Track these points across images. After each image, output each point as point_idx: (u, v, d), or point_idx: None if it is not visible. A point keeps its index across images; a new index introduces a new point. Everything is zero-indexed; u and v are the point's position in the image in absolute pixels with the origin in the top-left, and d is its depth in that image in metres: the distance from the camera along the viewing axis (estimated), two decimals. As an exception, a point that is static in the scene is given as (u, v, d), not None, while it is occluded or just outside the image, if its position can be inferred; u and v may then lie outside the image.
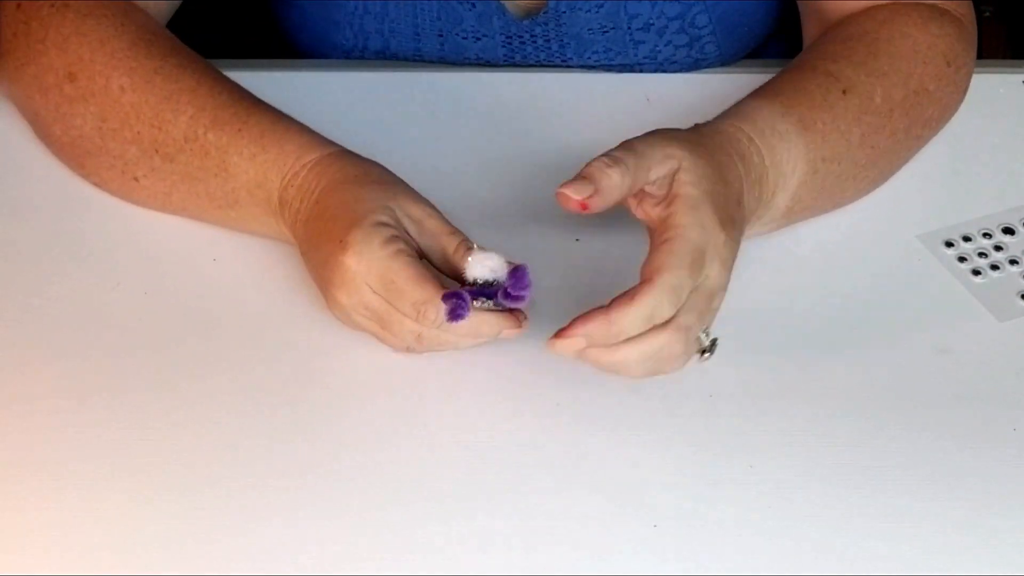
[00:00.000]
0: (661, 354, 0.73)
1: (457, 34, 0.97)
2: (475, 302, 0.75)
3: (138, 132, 0.85)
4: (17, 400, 0.78)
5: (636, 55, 0.97)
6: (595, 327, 0.72)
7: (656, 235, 0.75)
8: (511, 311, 0.76)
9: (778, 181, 0.82)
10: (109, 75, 0.85)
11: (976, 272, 0.84)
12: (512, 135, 0.95)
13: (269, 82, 0.91)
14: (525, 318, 0.77)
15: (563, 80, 0.98)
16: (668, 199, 0.76)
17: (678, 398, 0.78)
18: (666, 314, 0.72)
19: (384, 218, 0.77)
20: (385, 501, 0.73)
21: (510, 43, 0.97)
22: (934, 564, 0.71)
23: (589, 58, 0.97)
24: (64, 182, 0.91)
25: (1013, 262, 0.85)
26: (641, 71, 0.98)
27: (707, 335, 0.76)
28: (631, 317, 0.72)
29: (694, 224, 0.74)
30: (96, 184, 0.89)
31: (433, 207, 0.80)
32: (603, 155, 0.76)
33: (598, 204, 0.75)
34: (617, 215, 0.88)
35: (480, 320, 0.76)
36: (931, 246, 0.87)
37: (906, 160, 0.90)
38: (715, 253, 0.74)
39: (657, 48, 0.97)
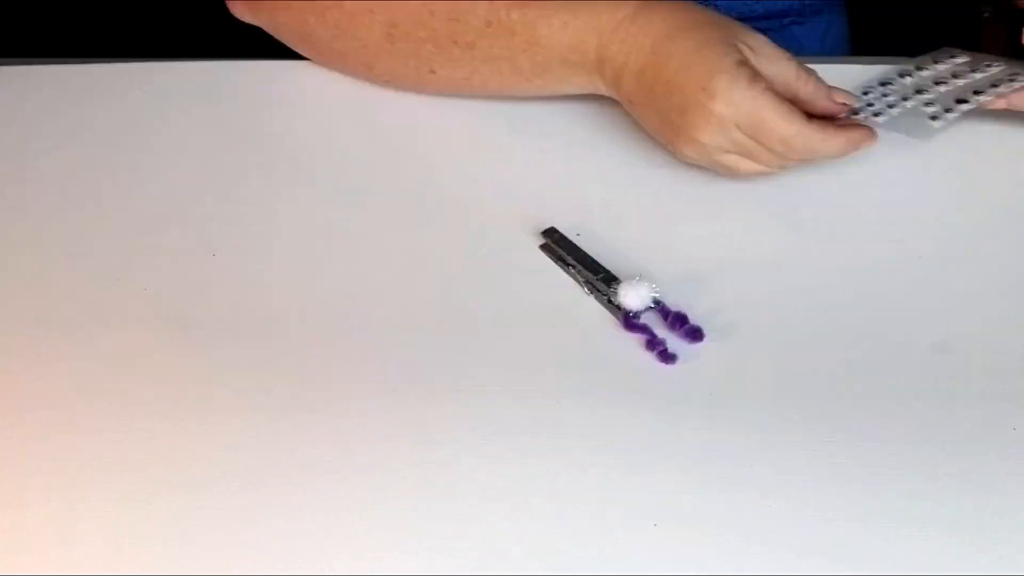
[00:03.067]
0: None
1: None
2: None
3: (433, 29, 0.89)
4: (16, 398, 0.78)
5: None
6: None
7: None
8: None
9: None
10: None
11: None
12: (513, 124, 0.95)
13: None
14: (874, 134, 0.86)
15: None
16: None
17: (678, 398, 0.78)
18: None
19: (740, 57, 0.82)
20: (385, 501, 0.73)
21: None
22: (934, 564, 0.71)
23: None
24: (64, 180, 0.91)
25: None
26: None
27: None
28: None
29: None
30: (387, 83, 0.94)
31: (763, 36, 0.85)
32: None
33: None
34: (618, 215, 0.88)
35: (840, 142, 0.84)
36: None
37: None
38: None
39: None
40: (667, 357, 0.79)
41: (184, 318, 0.83)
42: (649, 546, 0.71)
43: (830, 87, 0.86)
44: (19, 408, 0.78)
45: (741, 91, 0.81)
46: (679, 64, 0.83)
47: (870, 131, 0.85)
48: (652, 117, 0.86)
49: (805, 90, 0.85)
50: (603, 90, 0.89)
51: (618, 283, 0.82)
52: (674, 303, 0.82)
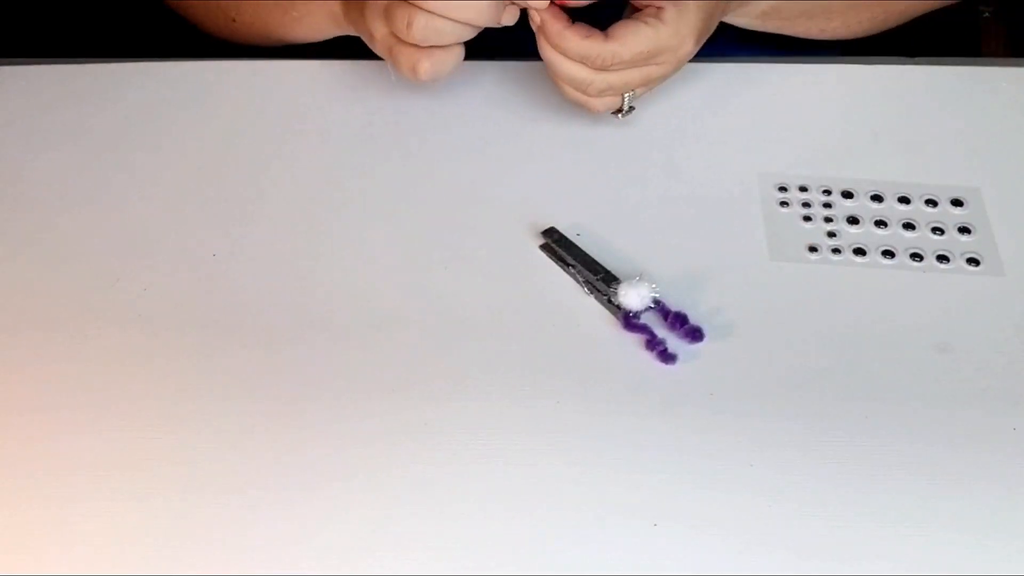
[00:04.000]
0: (579, 85, 0.86)
1: None
2: None
3: None
4: (16, 398, 0.78)
5: None
6: (552, 17, 0.84)
7: (641, 4, 0.85)
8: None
9: None
10: None
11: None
12: (510, 126, 0.94)
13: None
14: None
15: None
16: None
17: (678, 398, 0.78)
18: (596, 67, 0.84)
19: None
20: (385, 501, 0.73)
21: None
22: (934, 564, 0.71)
23: None
24: (64, 180, 0.91)
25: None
26: None
27: (630, 98, 0.88)
28: (574, 43, 0.84)
29: (672, 29, 0.84)
30: (210, 31, 1.02)
31: None
32: None
33: None
34: (618, 215, 0.88)
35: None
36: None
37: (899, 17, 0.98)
38: (673, 55, 0.86)
39: None
40: (667, 357, 0.79)
41: (184, 319, 0.83)
42: (649, 546, 0.71)
43: None
44: (18, 408, 0.78)
45: None
46: None
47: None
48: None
49: None
50: (338, 12, 0.92)
51: (618, 283, 0.82)
52: (674, 303, 0.82)
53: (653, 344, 0.80)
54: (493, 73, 0.98)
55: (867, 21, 0.98)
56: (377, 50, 0.89)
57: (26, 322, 0.82)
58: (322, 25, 0.95)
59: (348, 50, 0.99)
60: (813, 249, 0.87)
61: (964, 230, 0.88)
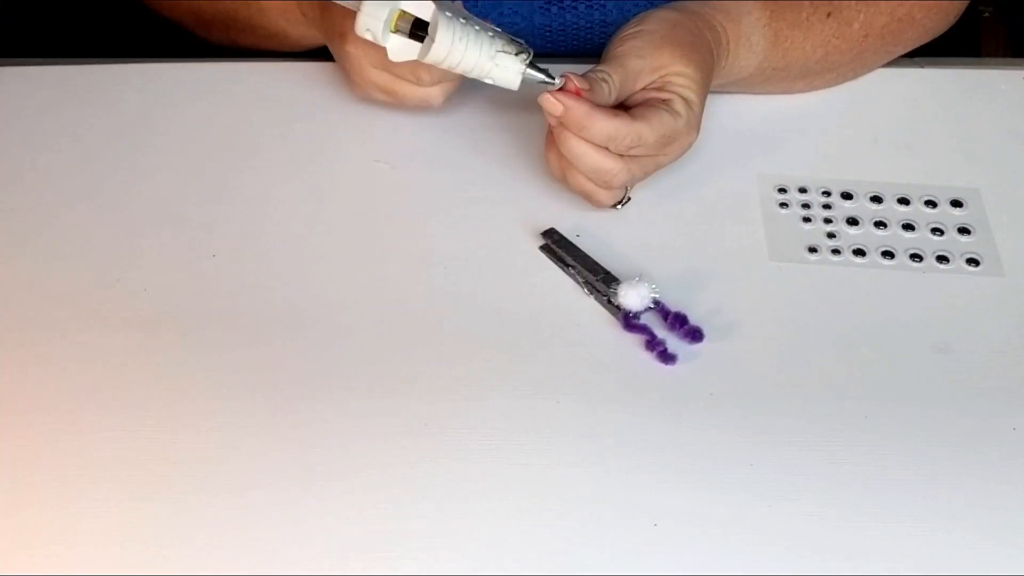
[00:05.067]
0: (603, 176, 0.83)
1: None
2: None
3: None
4: (16, 398, 0.78)
5: None
6: (576, 105, 0.81)
7: (653, 92, 0.85)
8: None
9: (731, 73, 0.91)
10: None
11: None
12: (509, 129, 0.94)
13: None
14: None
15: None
16: (661, 85, 0.85)
17: (678, 398, 0.78)
18: (620, 150, 0.83)
19: None
20: (385, 501, 0.73)
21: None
22: (934, 564, 0.71)
23: (629, 11, 0.97)
24: (64, 179, 0.91)
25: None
26: None
27: (629, 191, 0.87)
28: (602, 123, 0.81)
29: (685, 119, 0.84)
30: (196, 33, 1.03)
31: None
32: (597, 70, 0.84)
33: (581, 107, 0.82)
34: (618, 215, 0.88)
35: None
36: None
37: (861, 73, 0.97)
38: (680, 146, 0.85)
39: None
40: (667, 357, 0.79)
41: (184, 319, 0.83)
42: (649, 546, 0.71)
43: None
44: (19, 409, 0.78)
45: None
46: None
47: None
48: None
49: None
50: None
51: (618, 283, 0.82)
52: (674, 303, 0.82)
53: (653, 344, 0.80)
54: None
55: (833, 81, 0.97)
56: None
57: (26, 322, 0.82)
58: (287, 28, 0.97)
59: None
60: (813, 250, 0.87)
61: (964, 231, 0.88)
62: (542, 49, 0.99)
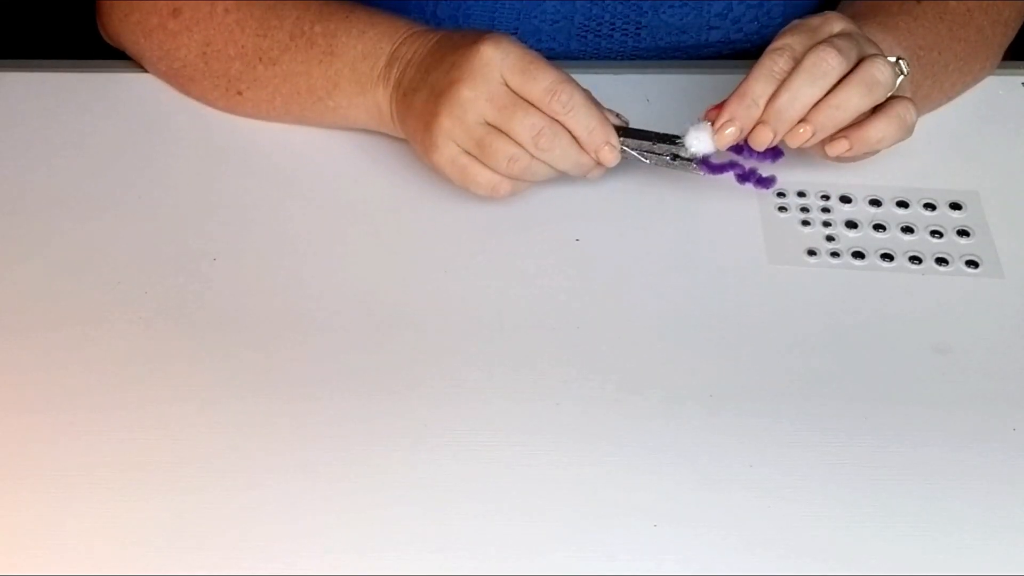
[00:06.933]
0: (823, 69, 0.79)
1: (535, 16, 0.97)
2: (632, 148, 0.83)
3: (242, 46, 0.90)
4: (16, 399, 0.78)
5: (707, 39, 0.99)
6: (731, 107, 0.80)
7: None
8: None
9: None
10: (214, 1, 0.90)
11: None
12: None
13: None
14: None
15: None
16: None
17: (678, 398, 0.78)
18: (784, 67, 0.80)
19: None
20: (385, 501, 0.73)
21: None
22: (934, 564, 0.71)
23: (662, 39, 0.98)
24: (64, 181, 0.91)
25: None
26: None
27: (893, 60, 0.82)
28: (752, 80, 0.80)
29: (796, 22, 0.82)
30: (205, 103, 0.95)
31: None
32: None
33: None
34: (618, 216, 0.88)
35: (574, 152, 0.82)
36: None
37: (1000, 53, 0.94)
38: (826, 20, 0.82)
39: (728, 35, 0.99)
40: (765, 182, 0.81)
41: (184, 321, 0.83)
42: (649, 546, 0.71)
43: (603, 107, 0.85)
44: (20, 410, 0.78)
45: (512, 40, 0.81)
46: (459, 36, 0.84)
47: (615, 149, 0.84)
48: (423, 96, 0.84)
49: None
50: (384, 108, 0.88)
51: (679, 137, 0.82)
52: (674, 304, 0.82)
53: (745, 176, 0.81)
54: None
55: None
56: (435, 161, 0.84)
57: (28, 324, 0.82)
58: (361, 119, 0.91)
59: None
60: (812, 252, 0.87)
61: (963, 233, 0.88)
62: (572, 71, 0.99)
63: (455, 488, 0.74)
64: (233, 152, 0.94)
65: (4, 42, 1.24)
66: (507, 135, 0.82)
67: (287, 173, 0.93)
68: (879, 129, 0.81)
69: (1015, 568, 0.71)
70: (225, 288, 0.85)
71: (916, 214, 0.90)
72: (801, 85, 0.80)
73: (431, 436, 0.76)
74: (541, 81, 0.81)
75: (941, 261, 0.86)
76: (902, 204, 0.90)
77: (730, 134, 0.80)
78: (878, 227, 0.89)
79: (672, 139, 0.83)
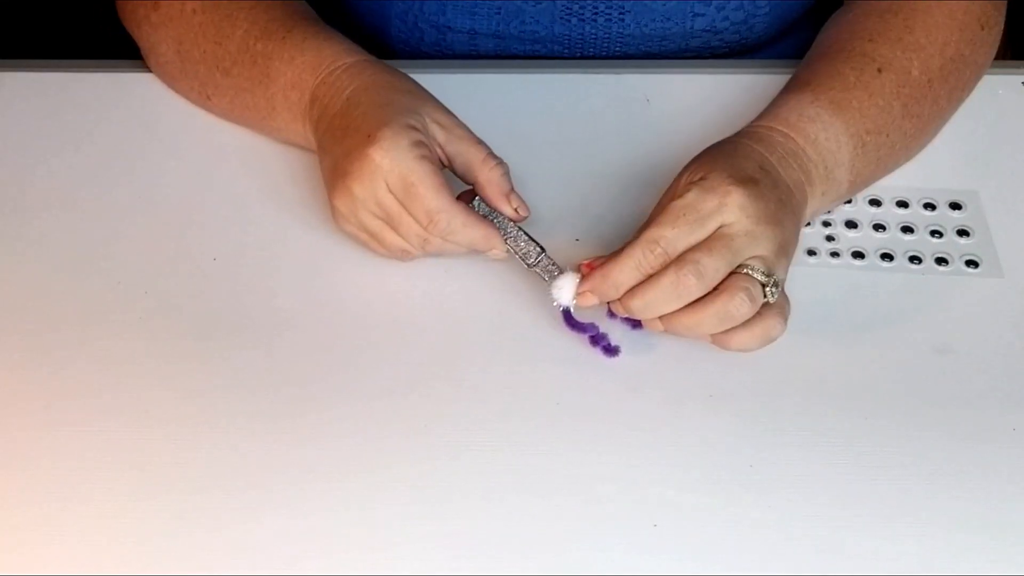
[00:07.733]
0: (679, 291, 0.74)
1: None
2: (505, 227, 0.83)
3: (204, 51, 0.91)
4: (18, 399, 0.78)
5: (692, 26, 0.98)
6: (593, 282, 0.78)
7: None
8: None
9: (826, 158, 0.83)
10: (184, 1, 0.91)
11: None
12: (510, 134, 0.94)
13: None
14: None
15: (563, 80, 0.98)
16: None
17: (678, 398, 0.78)
18: (652, 263, 0.76)
19: (414, 122, 0.81)
20: (384, 501, 0.73)
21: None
22: (934, 564, 0.71)
23: (646, 25, 0.98)
24: (64, 181, 0.91)
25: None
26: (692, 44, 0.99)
27: (765, 276, 0.76)
28: (618, 265, 0.76)
29: (694, 192, 0.76)
30: (192, 102, 0.96)
31: (458, 119, 0.84)
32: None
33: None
34: (618, 217, 0.88)
35: (478, 233, 0.81)
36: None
37: (947, 121, 0.93)
38: (722, 204, 0.76)
39: (714, 22, 0.98)
40: (611, 350, 0.79)
41: (184, 321, 0.83)
42: (649, 546, 0.71)
43: (512, 191, 0.83)
44: (20, 409, 0.78)
45: (401, 149, 0.79)
46: (360, 113, 0.82)
47: (501, 254, 0.82)
48: (329, 162, 0.83)
49: (486, 177, 0.82)
50: (313, 143, 0.87)
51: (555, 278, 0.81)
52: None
53: (596, 339, 0.80)
54: (492, 78, 0.99)
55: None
56: (340, 227, 0.84)
57: (28, 324, 0.82)
58: (300, 143, 0.90)
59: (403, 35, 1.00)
60: (812, 252, 0.87)
61: (963, 233, 0.88)
62: (560, 56, 1.00)
63: (454, 488, 0.74)
64: (233, 152, 0.94)
65: (4, 42, 1.24)
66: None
67: (287, 173, 0.93)
68: (740, 341, 0.76)
69: (1015, 568, 0.71)
70: (225, 288, 0.85)
71: (916, 214, 0.90)
72: (656, 298, 0.76)
73: (431, 436, 0.76)
74: (419, 207, 0.79)
75: (941, 261, 0.86)
76: (902, 204, 0.90)
77: (590, 300, 0.79)
78: (878, 227, 0.89)
79: (550, 264, 0.82)
